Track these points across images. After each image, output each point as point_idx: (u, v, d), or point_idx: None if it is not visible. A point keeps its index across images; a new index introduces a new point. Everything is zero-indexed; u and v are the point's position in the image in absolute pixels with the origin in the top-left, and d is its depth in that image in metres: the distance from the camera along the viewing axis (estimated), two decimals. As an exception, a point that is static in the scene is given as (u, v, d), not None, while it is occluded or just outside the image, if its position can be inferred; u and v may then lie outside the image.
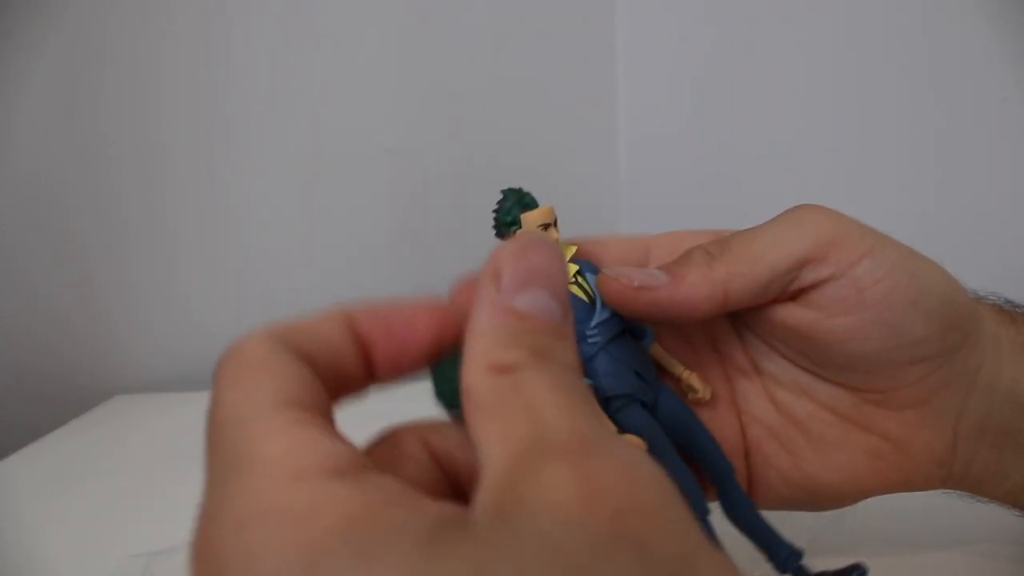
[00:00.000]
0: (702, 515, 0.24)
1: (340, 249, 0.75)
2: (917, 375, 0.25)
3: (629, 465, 0.14)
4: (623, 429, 0.25)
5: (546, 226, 0.26)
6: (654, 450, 0.24)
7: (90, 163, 0.71)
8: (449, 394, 0.19)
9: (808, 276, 0.24)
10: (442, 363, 0.20)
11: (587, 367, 0.25)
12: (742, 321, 0.28)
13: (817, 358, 0.26)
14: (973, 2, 0.60)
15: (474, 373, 0.16)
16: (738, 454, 0.28)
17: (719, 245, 0.25)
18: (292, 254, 0.75)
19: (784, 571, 0.25)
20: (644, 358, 0.26)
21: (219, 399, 0.16)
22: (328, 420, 0.16)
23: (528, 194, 0.27)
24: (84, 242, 0.72)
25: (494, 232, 0.27)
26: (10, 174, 0.70)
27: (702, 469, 0.27)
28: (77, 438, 0.62)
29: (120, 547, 0.38)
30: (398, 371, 0.20)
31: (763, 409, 0.28)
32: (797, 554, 0.25)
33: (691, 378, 0.27)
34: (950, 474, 0.26)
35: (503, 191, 0.27)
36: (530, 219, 0.26)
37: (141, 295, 0.74)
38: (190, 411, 0.74)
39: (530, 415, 0.15)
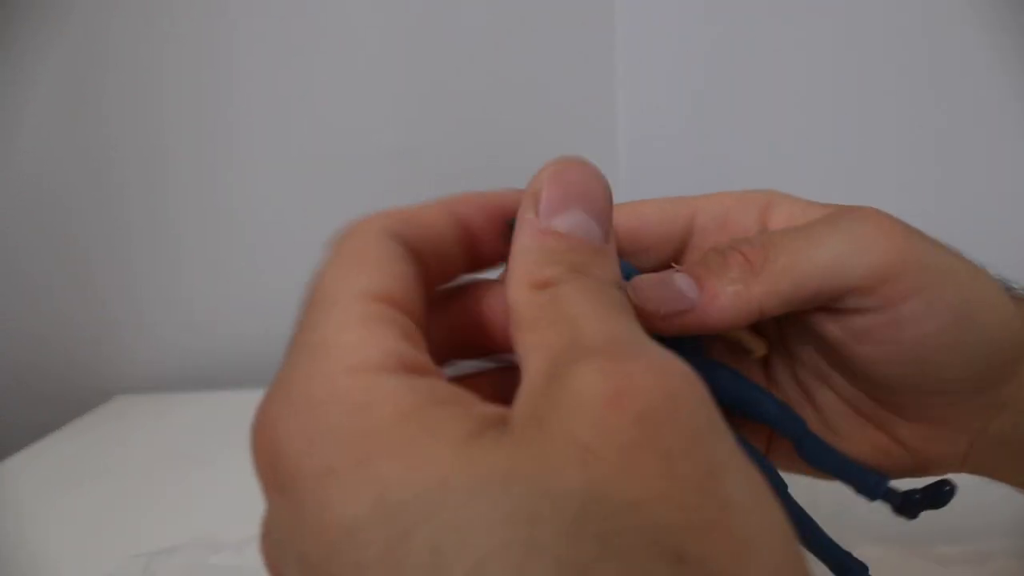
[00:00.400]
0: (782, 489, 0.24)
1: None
2: (942, 403, 0.24)
3: (661, 368, 0.14)
4: None
5: None
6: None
7: (93, 165, 0.71)
8: None
9: (850, 301, 0.22)
10: None
11: None
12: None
13: (842, 365, 0.25)
14: (973, 2, 0.60)
15: (515, 290, 0.17)
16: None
17: (762, 251, 0.22)
18: (294, 255, 0.75)
19: (875, 497, 0.25)
20: (688, 339, 0.24)
21: (319, 273, 0.17)
22: (412, 315, 0.17)
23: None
24: (86, 243, 0.72)
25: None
26: (13, 176, 0.70)
27: (776, 431, 0.26)
28: (78, 438, 0.62)
29: (121, 547, 0.38)
30: (500, 256, 0.20)
31: (788, 385, 0.27)
32: (885, 478, 0.25)
33: (742, 335, 0.26)
34: (959, 470, 0.26)
35: None
36: None
37: (143, 296, 0.74)
38: (191, 412, 0.75)
39: (566, 324, 0.15)
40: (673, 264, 0.26)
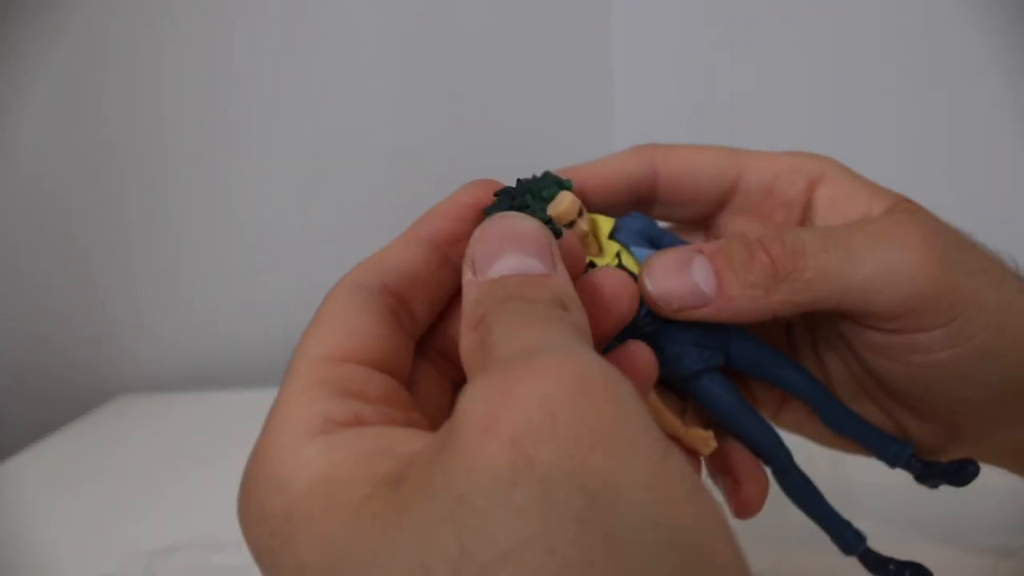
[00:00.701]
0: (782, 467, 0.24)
1: (342, 250, 0.75)
2: (951, 414, 0.24)
3: (548, 372, 0.13)
4: (702, 404, 0.24)
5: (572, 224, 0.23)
6: (731, 423, 0.24)
7: (93, 165, 0.71)
8: None
9: (870, 321, 0.22)
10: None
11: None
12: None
13: (862, 364, 0.25)
14: (973, 2, 0.60)
15: (462, 340, 0.17)
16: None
17: (791, 258, 0.21)
18: (294, 255, 0.76)
19: (896, 464, 0.25)
20: (706, 326, 0.23)
21: (301, 339, 0.19)
22: (371, 358, 0.18)
23: (527, 193, 0.23)
24: (86, 243, 0.72)
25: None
26: (14, 176, 0.70)
27: (796, 397, 0.26)
28: (80, 438, 0.62)
29: (121, 546, 0.38)
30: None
31: (806, 356, 0.27)
32: (908, 445, 0.24)
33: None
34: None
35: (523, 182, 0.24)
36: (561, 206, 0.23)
37: (143, 296, 0.74)
38: (192, 411, 0.75)
39: (484, 353, 0.15)
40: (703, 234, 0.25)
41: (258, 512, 0.16)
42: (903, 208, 0.24)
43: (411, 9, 0.71)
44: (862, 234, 0.21)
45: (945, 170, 0.62)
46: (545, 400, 0.13)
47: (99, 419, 0.67)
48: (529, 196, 0.22)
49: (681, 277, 0.21)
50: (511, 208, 0.22)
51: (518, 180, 0.23)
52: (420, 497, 0.13)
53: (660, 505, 0.12)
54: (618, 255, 0.23)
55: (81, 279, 0.73)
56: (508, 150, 0.74)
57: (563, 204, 0.22)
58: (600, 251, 0.23)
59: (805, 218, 0.25)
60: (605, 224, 0.23)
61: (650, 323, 0.23)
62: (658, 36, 0.73)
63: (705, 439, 0.24)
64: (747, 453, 0.25)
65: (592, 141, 0.73)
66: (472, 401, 0.13)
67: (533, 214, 0.21)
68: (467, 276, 0.18)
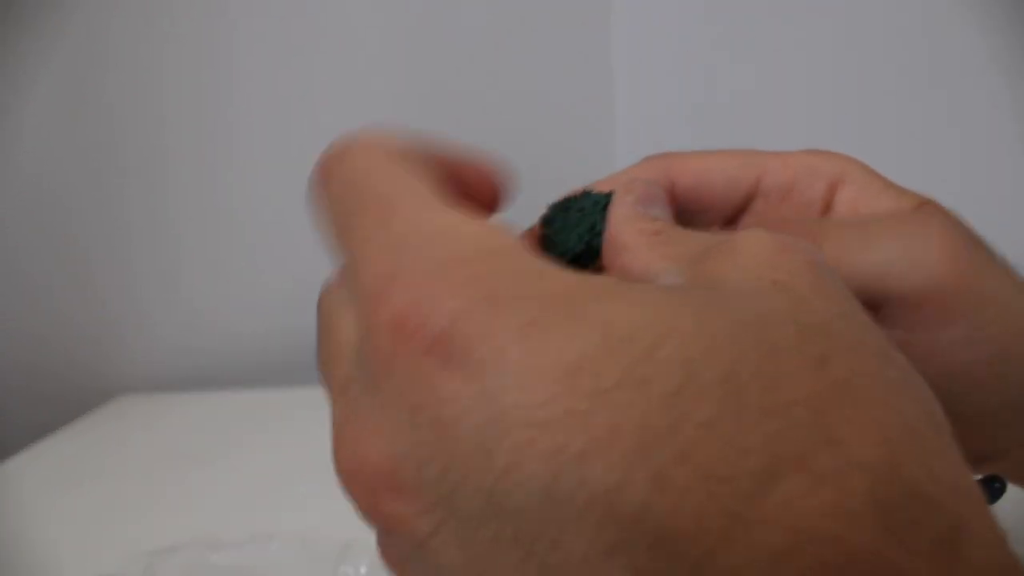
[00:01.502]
0: None
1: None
2: (972, 432, 0.23)
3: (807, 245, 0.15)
4: None
5: None
6: None
7: (93, 165, 0.71)
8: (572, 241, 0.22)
9: (888, 311, 0.21)
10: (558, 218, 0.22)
11: None
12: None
13: None
14: (973, 2, 0.60)
15: (629, 235, 0.18)
16: None
17: (811, 237, 0.21)
18: (294, 255, 0.76)
19: None
20: None
21: (335, 174, 0.17)
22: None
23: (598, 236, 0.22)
24: (87, 243, 0.72)
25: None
26: (15, 176, 0.70)
27: None
28: (81, 438, 0.62)
29: (121, 546, 0.39)
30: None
31: None
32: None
33: None
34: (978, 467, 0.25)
35: (565, 219, 0.23)
36: None
37: (144, 296, 0.74)
38: (192, 411, 0.75)
39: (695, 240, 0.17)
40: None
41: (489, 296, 0.13)
42: (922, 203, 0.23)
43: (411, 9, 0.71)
44: (882, 224, 0.22)
45: (945, 170, 0.62)
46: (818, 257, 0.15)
47: (99, 419, 0.67)
48: (588, 203, 0.22)
49: None
50: (568, 217, 0.23)
51: (562, 199, 0.24)
52: (731, 286, 0.14)
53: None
54: None
55: (81, 279, 0.73)
56: (508, 150, 0.74)
57: None
58: None
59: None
60: None
61: None
62: (658, 36, 0.73)
63: None
64: None
65: (592, 141, 0.73)
66: (758, 236, 0.15)
67: (593, 223, 0.22)
68: (628, 198, 0.20)
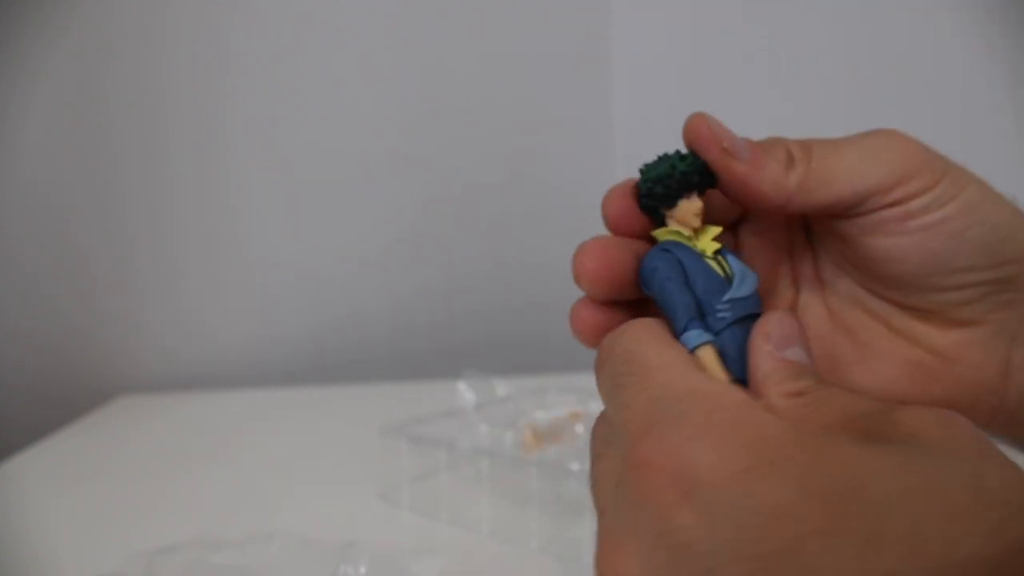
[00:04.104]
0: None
1: (339, 253, 0.76)
2: (964, 298, 0.25)
3: (955, 413, 0.17)
4: None
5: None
6: None
7: (94, 168, 0.71)
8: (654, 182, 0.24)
9: (867, 205, 0.25)
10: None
11: (714, 341, 0.24)
12: (811, 231, 0.29)
13: (867, 272, 0.27)
14: (972, 3, 0.60)
15: (776, 398, 0.20)
16: None
17: (802, 150, 0.25)
18: (292, 258, 0.76)
19: None
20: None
21: (634, 353, 0.21)
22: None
23: (697, 172, 0.25)
24: (88, 248, 0.72)
25: (642, 200, 0.25)
26: (16, 180, 0.70)
27: None
28: (80, 438, 0.62)
29: (122, 545, 0.39)
30: None
31: (818, 318, 0.28)
32: None
33: None
34: (1002, 405, 0.26)
35: (664, 161, 0.25)
36: (689, 208, 0.25)
37: (144, 298, 0.74)
38: (191, 412, 0.75)
39: (844, 403, 0.19)
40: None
41: (719, 451, 0.17)
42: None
43: (411, 13, 0.72)
44: (846, 138, 0.26)
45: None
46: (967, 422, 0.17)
47: (99, 419, 0.67)
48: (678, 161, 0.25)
49: (730, 133, 0.25)
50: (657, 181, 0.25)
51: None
52: (917, 449, 0.16)
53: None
54: (717, 253, 0.25)
55: (81, 281, 0.73)
56: (507, 150, 0.74)
57: (701, 202, 0.25)
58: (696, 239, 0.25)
59: None
60: (711, 231, 0.25)
61: (727, 312, 0.24)
62: (657, 37, 0.73)
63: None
64: None
65: (592, 142, 0.73)
66: (916, 415, 0.17)
67: (668, 195, 0.25)
68: (766, 346, 0.22)
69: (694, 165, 0.25)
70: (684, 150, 0.25)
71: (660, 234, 0.25)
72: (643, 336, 0.22)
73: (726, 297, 0.24)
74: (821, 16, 0.67)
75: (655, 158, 0.25)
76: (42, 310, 0.73)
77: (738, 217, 0.29)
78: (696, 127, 0.24)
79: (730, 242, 0.28)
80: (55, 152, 0.70)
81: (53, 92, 0.68)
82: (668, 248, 0.24)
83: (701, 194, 0.25)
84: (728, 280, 0.24)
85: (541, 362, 0.65)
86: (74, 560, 0.40)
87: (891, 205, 0.24)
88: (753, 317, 0.24)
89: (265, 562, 0.36)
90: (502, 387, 0.52)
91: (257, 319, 0.76)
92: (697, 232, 0.25)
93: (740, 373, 0.23)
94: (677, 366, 0.20)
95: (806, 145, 0.25)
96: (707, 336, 0.23)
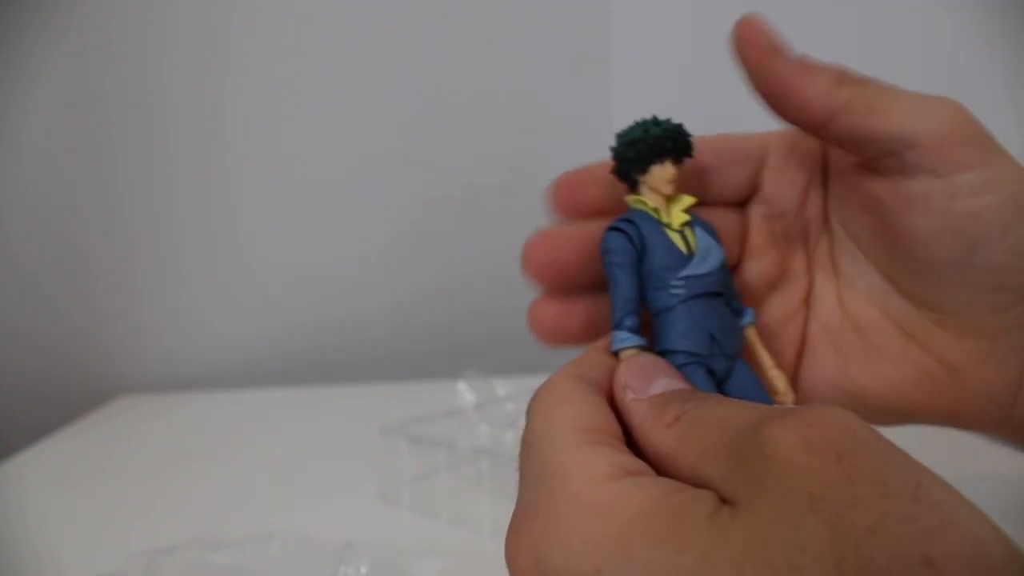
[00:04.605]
0: None
1: (339, 253, 0.76)
2: (990, 304, 0.24)
3: (827, 415, 0.16)
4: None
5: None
6: None
7: (94, 168, 0.71)
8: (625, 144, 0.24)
9: (911, 158, 0.23)
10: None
11: (660, 319, 0.23)
12: (833, 205, 0.27)
13: (895, 255, 0.25)
14: (972, 3, 0.60)
15: (652, 441, 0.19)
16: (792, 350, 0.27)
17: (852, 79, 0.24)
18: (292, 258, 0.76)
19: None
20: (729, 327, 0.24)
21: (530, 424, 0.20)
22: (613, 433, 0.20)
23: (669, 137, 0.24)
24: (88, 246, 0.72)
25: (615, 165, 0.25)
26: (16, 180, 0.70)
27: None
28: (80, 438, 0.62)
29: (122, 545, 0.39)
30: None
31: (830, 309, 0.27)
32: None
33: (777, 379, 0.25)
34: (1009, 418, 0.25)
35: (638, 126, 0.24)
36: (661, 175, 0.24)
37: (144, 298, 0.74)
38: (192, 412, 0.75)
39: (719, 429, 0.18)
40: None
41: (566, 548, 0.17)
42: None
43: (412, 13, 0.72)
44: (901, 90, 0.24)
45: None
46: (849, 431, 0.16)
47: (99, 419, 0.67)
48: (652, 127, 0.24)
49: (778, 40, 0.24)
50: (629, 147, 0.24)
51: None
52: (765, 504, 0.15)
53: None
54: (685, 225, 0.24)
55: (81, 281, 0.73)
56: (507, 151, 0.74)
57: (674, 169, 0.24)
58: (668, 213, 0.24)
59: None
60: (683, 201, 0.25)
61: (681, 289, 0.23)
62: (657, 37, 0.73)
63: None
64: None
65: (592, 142, 0.73)
66: (781, 435, 0.16)
67: (639, 160, 0.24)
68: (628, 396, 0.21)
69: (668, 131, 0.24)
70: (662, 117, 0.24)
71: (631, 200, 0.24)
72: (544, 395, 0.21)
73: (682, 273, 0.23)
74: (821, 16, 0.66)
75: (633, 122, 0.25)
76: (42, 310, 0.73)
77: (747, 195, 0.28)
78: (745, 31, 0.23)
79: (728, 224, 0.27)
80: (55, 152, 0.70)
81: (53, 92, 0.68)
82: (631, 219, 0.24)
83: (677, 162, 0.24)
84: (689, 255, 0.23)
85: (541, 362, 0.65)
86: (74, 560, 0.40)
87: (936, 171, 0.23)
88: (712, 295, 0.23)
89: (265, 562, 0.36)
90: (502, 387, 0.52)
91: (257, 319, 0.76)
92: (669, 201, 0.24)
93: (689, 346, 0.23)
94: (556, 437, 0.19)
95: (859, 77, 0.24)
96: (633, 340, 0.22)
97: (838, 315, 0.27)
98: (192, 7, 0.69)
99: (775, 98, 0.24)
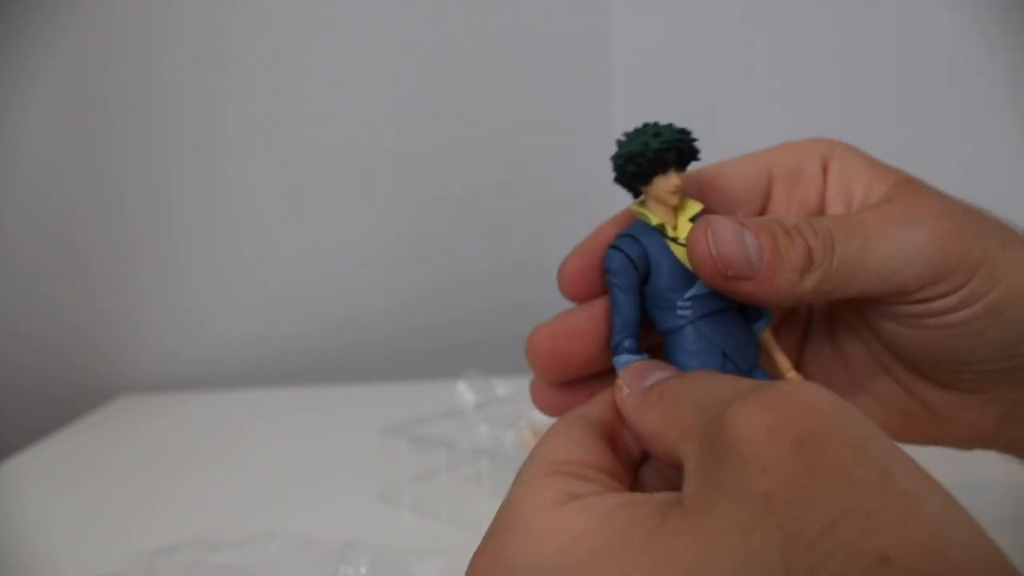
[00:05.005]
0: None
1: (339, 253, 0.76)
2: (970, 378, 0.24)
3: (798, 396, 0.16)
4: None
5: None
6: None
7: (94, 168, 0.71)
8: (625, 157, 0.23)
9: (887, 300, 0.23)
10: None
11: (669, 340, 0.23)
12: None
13: (871, 330, 0.26)
14: (972, 3, 0.60)
15: (635, 418, 0.20)
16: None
17: (824, 247, 0.22)
18: (292, 258, 0.76)
19: None
20: (742, 340, 0.23)
21: (531, 455, 0.21)
22: (587, 466, 0.20)
23: (671, 149, 0.23)
24: (88, 246, 0.72)
25: (616, 177, 0.24)
26: (16, 180, 0.70)
27: None
28: (80, 438, 0.62)
29: (122, 545, 0.39)
30: None
31: (822, 342, 0.28)
32: None
33: (795, 380, 0.24)
34: (989, 446, 0.26)
35: (638, 136, 0.23)
36: (664, 185, 0.23)
37: (144, 298, 0.74)
38: (192, 411, 0.75)
39: (691, 407, 0.18)
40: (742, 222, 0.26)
41: (521, 566, 0.17)
42: (904, 184, 0.25)
43: (411, 13, 0.72)
44: (874, 218, 0.23)
45: (942, 172, 0.62)
46: (816, 414, 0.15)
47: (99, 419, 0.67)
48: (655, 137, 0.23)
49: (738, 245, 0.22)
50: (629, 156, 0.23)
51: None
52: (719, 508, 0.15)
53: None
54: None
55: (81, 281, 0.73)
56: (507, 151, 0.74)
57: (680, 177, 0.23)
58: (675, 224, 0.23)
59: (824, 194, 0.26)
60: (691, 208, 0.24)
61: (688, 311, 0.23)
62: (657, 37, 0.73)
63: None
64: None
65: (592, 142, 0.73)
66: (742, 419, 0.16)
67: (641, 173, 0.23)
68: (624, 392, 0.21)
69: (668, 142, 0.23)
70: (663, 122, 0.23)
71: (635, 210, 0.24)
72: (547, 433, 0.22)
73: (689, 294, 0.22)
74: (821, 15, 0.67)
75: (633, 130, 0.23)
76: (42, 310, 0.73)
77: (759, 204, 0.27)
78: (698, 251, 0.22)
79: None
80: (55, 152, 0.70)
81: (53, 92, 0.68)
82: (634, 235, 0.23)
83: (680, 169, 0.23)
84: (694, 273, 0.22)
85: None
86: (74, 560, 0.40)
87: (913, 303, 0.23)
88: (720, 312, 0.23)
89: (265, 562, 0.36)
90: (502, 387, 0.52)
91: (257, 319, 0.76)
92: (676, 210, 0.23)
93: (701, 367, 0.22)
94: (523, 471, 0.20)
95: (829, 237, 0.22)
96: (635, 358, 0.22)
97: (829, 344, 0.28)
98: (192, 7, 0.69)
99: (744, 300, 0.23)
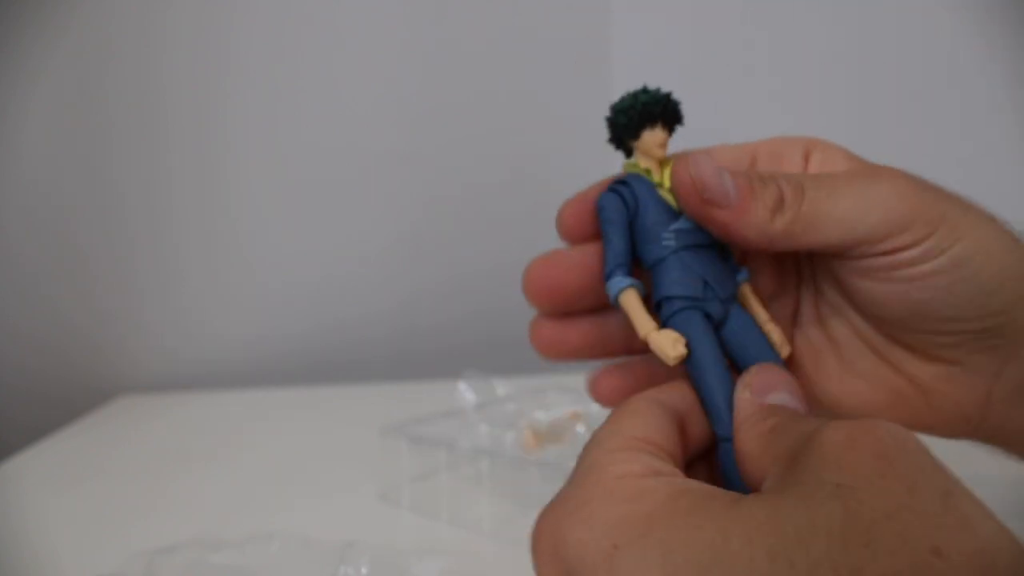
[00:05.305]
0: (725, 437, 0.23)
1: (340, 253, 0.76)
2: (949, 342, 0.25)
3: (881, 423, 0.17)
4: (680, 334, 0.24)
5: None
6: (697, 360, 0.24)
7: (94, 168, 0.71)
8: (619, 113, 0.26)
9: (858, 251, 0.24)
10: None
11: (654, 270, 0.25)
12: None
13: (855, 307, 0.27)
14: (972, 3, 0.60)
15: (748, 442, 0.21)
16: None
17: (795, 191, 0.24)
18: (292, 258, 0.76)
19: None
20: (723, 273, 0.25)
21: (595, 431, 0.22)
22: (666, 450, 0.21)
23: (657, 104, 0.26)
24: (88, 246, 0.72)
25: (609, 131, 0.27)
26: (16, 180, 0.70)
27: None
28: (80, 438, 0.62)
29: (122, 545, 0.39)
30: None
31: (811, 325, 0.29)
32: None
33: (773, 332, 0.26)
34: (978, 429, 0.26)
35: (630, 95, 0.26)
36: (652, 139, 0.26)
37: (144, 298, 0.74)
38: (192, 411, 0.75)
39: (797, 435, 0.19)
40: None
41: (587, 525, 0.18)
42: (881, 166, 0.27)
43: (411, 13, 0.72)
44: (842, 176, 0.25)
45: (946, 173, 0.62)
46: (896, 438, 0.17)
47: (99, 419, 0.67)
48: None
49: (715, 173, 0.24)
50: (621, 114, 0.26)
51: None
52: (792, 489, 0.17)
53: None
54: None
55: (81, 281, 0.73)
56: (507, 151, 0.74)
57: (665, 132, 0.26)
58: (660, 174, 0.26)
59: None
60: (671, 161, 0.26)
61: (671, 241, 0.25)
62: (657, 37, 0.73)
63: (674, 340, 0.24)
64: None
65: (592, 142, 0.73)
66: (831, 431, 0.17)
67: (630, 126, 0.26)
68: (744, 394, 0.22)
69: (656, 97, 0.26)
70: (652, 86, 0.26)
71: (626, 166, 0.26)
72: (618, 409, 0.23)
73: (672, 227, 0.25)
74: (821, 15, 0.67)
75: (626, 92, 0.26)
76: (42, 310, 0.73)
77: None
78: (679, 183, 0.24)
79: None
80: (55, 152, 0.70)
81: (53, 92, 0.68)
82: (626, 181, 0.26)
83: (668, 128, 0.26)
84: (679, 211, 0.25)
85: (541, 362, 0.65)
86: (74, 560, 0.40)
87: (880, 254, 0.24)
88: (703, 246, 0.25)
89: (265, 562, 0.36)
90: (502, 387, 0.52)
91: (257, 319, 0.76)
92: (662, 163, 0.26)
93: (683, 291, 0.25)
94: (606, 441, 0.21)
95: (800, 185, 0.24)
96: (627, 282, 0.24)
97: (818, 331, 0.28)
98: (192, 7, 0.69)
99: (719, 234, 0.25)
